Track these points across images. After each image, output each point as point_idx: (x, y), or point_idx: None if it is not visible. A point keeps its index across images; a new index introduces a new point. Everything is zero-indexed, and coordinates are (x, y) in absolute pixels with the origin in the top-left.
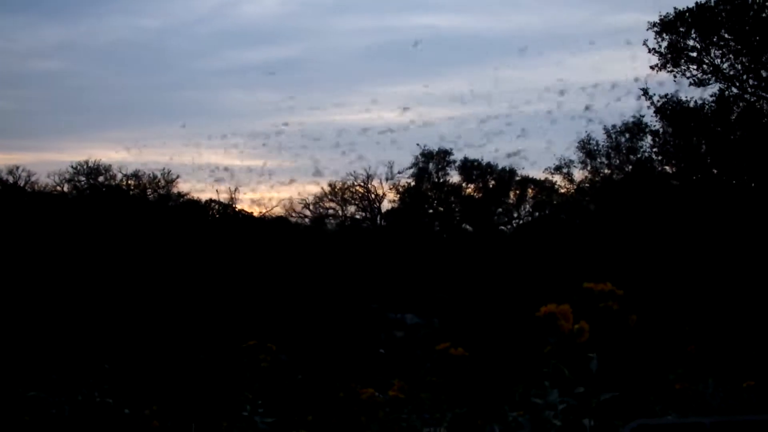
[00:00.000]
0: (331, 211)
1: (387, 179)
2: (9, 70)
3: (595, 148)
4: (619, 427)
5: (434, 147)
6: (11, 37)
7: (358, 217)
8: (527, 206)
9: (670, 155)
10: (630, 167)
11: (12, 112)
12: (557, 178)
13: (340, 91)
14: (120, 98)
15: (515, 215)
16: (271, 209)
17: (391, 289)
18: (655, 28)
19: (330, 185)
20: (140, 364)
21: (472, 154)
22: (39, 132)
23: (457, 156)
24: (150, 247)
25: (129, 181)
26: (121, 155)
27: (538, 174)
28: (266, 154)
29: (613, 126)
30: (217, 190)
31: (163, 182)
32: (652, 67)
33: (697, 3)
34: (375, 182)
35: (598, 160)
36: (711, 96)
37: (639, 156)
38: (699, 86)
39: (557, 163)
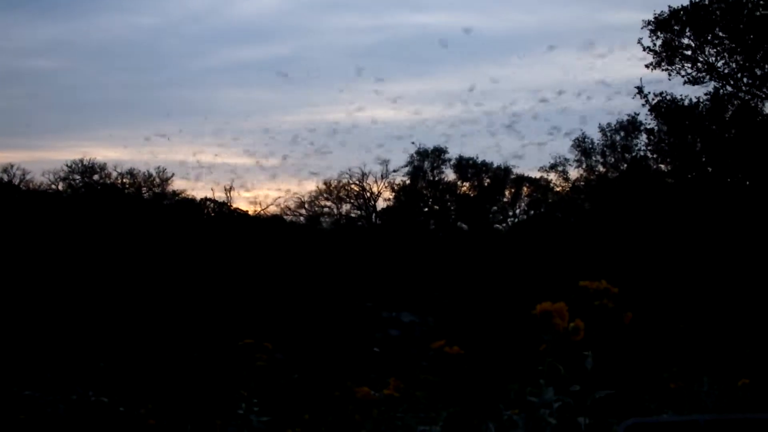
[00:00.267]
0: (326, 210)
1: (382, 177)
2: (3, 68)
3: (590, 146)
4: (614, 425)
5: (429, 145)
6: (5, 35)
7: (353, 215)
8: (522, 204)
9: (665, 153)
10: (625, 165)
11: (6, 110)
12: (552, 177)
13: (335, 89)
14: (115, 96)
15: (510, 213)
16: (266, 208)
17: (387, 288)
18: (650, 27)
19: (325, 183)
20: (135, 363)
21: (467, 153)
22: (33, 130)
23: (452, 154)
24: (145, 246)
25: (124, 180)
26: (116, 153)
27: (534, 172)
28: (261, 152)
29: (608, 124)
30: (212, 189)
31: (158, 180)
32: (646, 66)
33: (691, 1)
34: (370, 180)
35: (593, 158)
36: (706, 94)
37: (634, 154)
38: (694, 84)
39: (552, 161)
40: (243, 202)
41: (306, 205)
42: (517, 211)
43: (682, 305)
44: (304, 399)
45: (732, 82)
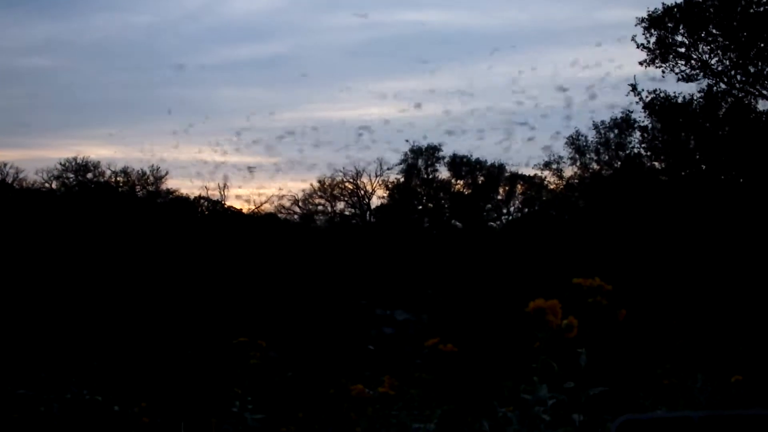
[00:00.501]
0: (320, 208)
1: (376, 175)
2: None
3: (584, 143)
4: (608, 422)
5: (423, 143)
6: (2, 34)
7: (347, 213)
8: (516, 202)
9: (659, 151)
10: (619, 163)
11: (2, 108)
12: (546, 174)
13: (330, 88)
14: (109, 95)
15: (504, 211)
16: (261, 206)
17: (381, 286)
18: (644, 24)
19: (319, 181)
20: (129, 362)
21: (462, 150)
22: (27, 129)
23: (447, 152)
24: (139, 245)
25: (118, 178)
26: (110, 152)
27: (528, 170)
28: (255, 151)
29: (602, 122)
30: (206, 187)
31: (152, 179)
32: (640, 63)
33: None
34: (364, 178)
35: (587, 155)
36: (699, 92)
37: (628, 152)
38: (687, 82)
39: (546, 159)
40: (237, 200)
41: (300, 203)
42: (511, 208)
43: (676, 302)
44: (298, 397)
45: (726, 80)
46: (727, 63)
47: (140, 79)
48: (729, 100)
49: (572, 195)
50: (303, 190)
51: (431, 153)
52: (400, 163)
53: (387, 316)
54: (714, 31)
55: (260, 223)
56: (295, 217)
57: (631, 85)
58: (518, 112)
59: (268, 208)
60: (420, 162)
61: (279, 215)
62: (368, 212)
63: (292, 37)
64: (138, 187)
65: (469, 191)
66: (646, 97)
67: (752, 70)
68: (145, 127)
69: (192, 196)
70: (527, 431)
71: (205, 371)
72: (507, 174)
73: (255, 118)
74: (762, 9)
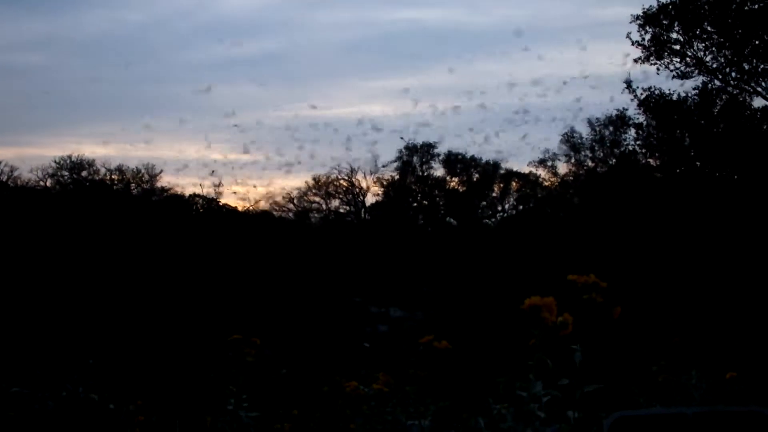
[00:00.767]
0: (315, 205)
1: (371, 173)
2: None
3: (579, 141)
4: (603, 419)
5: (418, 140)
6: None
7: (342, 211)
8: (511, 199)
9: (654, 148)
10: (614, 160)
11: None
12: (541, 172)
13: (324, 85)
14: (102, 92)
15: (499, 208)
16: (255, 203)
17: (375, 283)
18: (639, 21)
19: (314, 179)
20: (125, 359)
21: (456, 148)
22: (21, 126)
23: (441, 149)
24: (134, 242)
25: (112, 176)
26: (105, 149)
27: (523, 167)
28: (249, 148)
29: (597, 119)
30: (200, 185)
31: (146, 177)
32: (635, 60)
33: None
34: (359, 176)
35: (582, 153)
36: (694, 89)
37: (623, 149)
38: (682, 79)
39: (541, 156)
40: (231, 197)
41: (294, 201)
42: (506, 206)
43: (671, 300)
44: (293, 394)
45: (720, 77)
46: (722, 60)
47: (134, 76)
48: (724, 97)
49: (567, 192)
50: (297, 188)
51: (426, 150)
52: (395, 161)
53: (382, 314)
54: (709, 28)
55: (255, 220)
56: (290, 214)
57: (626, 82)
58: (513, 109)
59: (262, 205)
60: (415, 159)
61: (273, 213)
62: (363, 210)
63: (285, 34)
64: (133, 185)
65: (464, 188)
66: (641, 94)
67: (747, 67)
68: (139, 124)
69: (186, 194)
70: (522, 428)
71: (200, 369)
72: (502, 171)
73: (249, 115)
74: (756, 6)
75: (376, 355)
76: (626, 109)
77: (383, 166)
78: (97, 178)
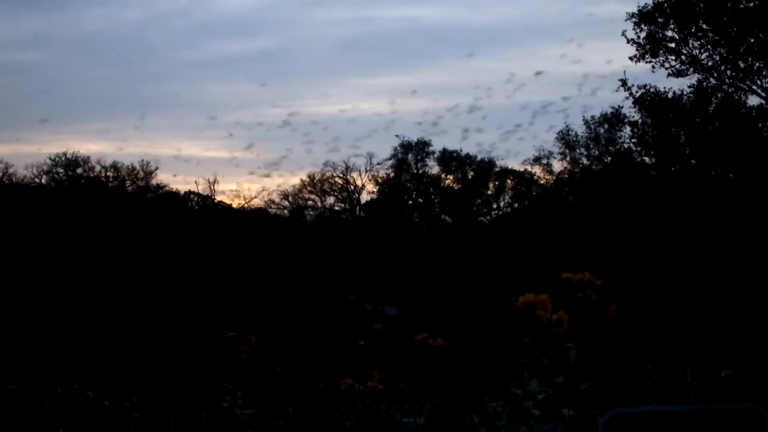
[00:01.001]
0: (310, 203)
1: (366, 170)
2: None
3: (574, 139)
4: (597, 417)
5: (413, 138)
6: None
7: (337, 208)
8: (506, 197)
9: (649, 146)
10: (609, 158)
11: None
12: (536, 169)
13: (320, 82)
14: (98, 90)
15: (494, 206)
16: (250, 201)
17: (371, 281)
18: (634, 19)
19: (309, 176)
20: (120, 357)
21: (452, 145)
22: (16, 124)
23: (436, 147)
24: (129, 240)
25: (107, 173)
26: (100, 147)
27: (518, 165)
28: (245, 146)
29: (592, 117)
30: (195, 182)
31: (141, 174)
32: (630, 58)
33: None
34: (354, 173)
35: (577, 151)
36: (689, 87)
37: (618, 147)
38: (677, 77)
39: (536, 154)
40: (227, 195)
41: (290, 198)
42: (501, 204)
43: (666, 298)
44: (288, 392)
45: (716, 75)
46: (717, 58)
47: (130, 74)
48: (719, 95)
49: (562, 190)
50: (293, 185)
51: (421, 148)
52: (390, 158)
53: (377, 312)
54: (704, 26)
55: (250, 218)
56: (285, 212)
57: (621, 80)
58: (508, 107)
59: (257, 203)
60: (410, 157)
61: (269, 210)
62: (358, 207)
63: (281, 31)
64: (128, 182)
65: (459, 186)
66: (636, 92)
67: (742, 65)
68: (134, 122)
69: (182, 191)
70: (517, 426)
71: (196, 366)
72: (497, 169)
73: (244, 113)
74: (752, 4)
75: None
76: (621, 107)
77: (378, 164)
78: (92, 175)
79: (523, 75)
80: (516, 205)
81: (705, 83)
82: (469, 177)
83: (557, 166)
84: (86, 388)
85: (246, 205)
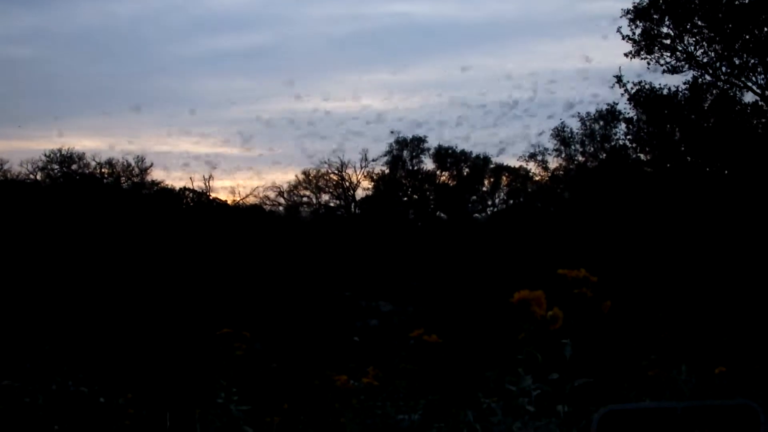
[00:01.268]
0: (305, 199)
1: (361, 167)
2: None
3: (570, 135)
4: (592, 413)
5: (408, 134)
6: None
7: (332, 205)
8: (502, 194)
9: (644, 143)
10: (604, 155)
11: None
12: (531, 166)
13: (314, 79)
14: (93, 86)
15: (489, 203)
16: (245, 197)
17: (366, 277)
18: (629, 15)
19: (304, 173)
20: (115, 353)
21: (447, 142)
22: (10, 119)
23: (432, 143)
24: (124, 236)
25: (103, 169)
26: (95, 143)
27: (513, 162)
28: (240, 142)
29: (588, 113)
30: (191, 178)
31: (136, 170)
32: (625, 55)
33: None
34: (349, 170)
35: (573, 147)
36: (684, 83)
37: (613, 143)
38: (673, 74)
39: (532, 150)
40: (222, 191)
41: (285, 195)
42: (497, 200)
43: (661, 294)
44: (283, 388)
45: (711, 72)
46: (713, 55)
47: (124, 70)
48: (714, 91)
49: (557, 187)
50: (288, 182)
51: (416, 144)
52: (385, 155)
53: (372, 308)
54: (699, 22)
55: (245, 214)
56: (280, 208)
57: (617, 76)
58: (503, 103)
59: (253, 199)
60: (405, 153)
61: (264, 207)
62: (353, 204)
63: (276, 28)
64: (123, 179)
65: (454, 183)
66: (632, 88)
67: (737, 61)
68: (129, 118)
69: (177, 188)
70: (512, 422)
71: (191, 362)
72: (492, 165)
73: (239, 109)
74: (747, 1)
75: (366, 349)
76: (617, 104)
77: (373, 160)
78: (87, 171)
79: (518, 71)
80: (511, 201)
81: (700, 80)
82: (464, 173)
83: (552, 162)
84: (81, 384)
85: (241, 201)
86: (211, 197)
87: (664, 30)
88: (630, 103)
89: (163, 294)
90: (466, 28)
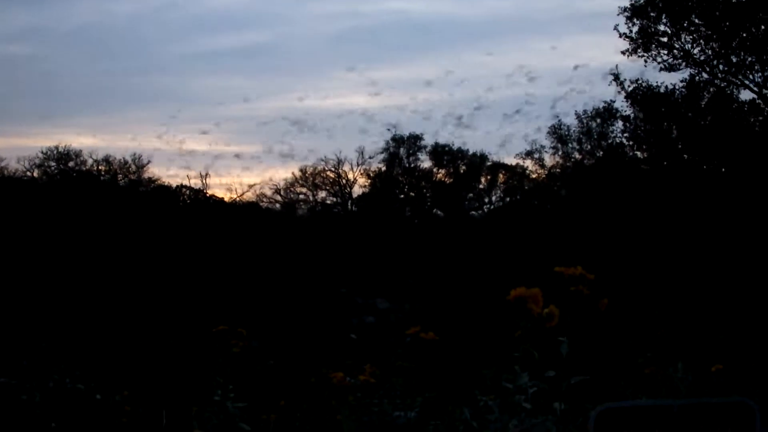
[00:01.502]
0: (302, 197)
1: (358, 164)
2: None
3: (567, 133)
4: (589, 410)
5: (405, 132)
6: None
7: (329, 202)
8: (498, 191)
9: (641, 140)
10: (601, 152)
11: None
12: (528, 164)
13: (311, 76)
14: (90, 83)
15: (486, 200)
16: (242, 195)
17: (362, 275)
18: (626, 13)
19: (301, 170)
20: (111, 350)
21: (443, 139)
22: (8, 117)
23: (428, 141)
24: (120, 233)
25: (99, 167)
26: (92, 140)
27: (510, 159)
28: (237, 140)
29: (585, 111)
30: (187, 176)
31: (133, 167)
32: (623, 53)
33: None
34: (346, 167)
35: (570, 145)
36: (681, 81)
37: (610, 141)
38: (670, 71)
39: (528, 148)
40: (219, 189)
41: (281, 192)
42: (493, 198)
43: (658, 292)
44: (279, 385)
45: (708, 69)
46: (710, 53)
47: (121, 67)
48: (711, 89)
49: (554, 184)
50: (285, 179)
51: (413, 142)
52: (382, 152)
53: (368, 305)
54: (696, 20)
55: (242, 211)
56: (277, 205)
57: (614, 74)
58: (500, 101)
59: (249, 197)
60: (402, 151)
61: (261, 204)
62: (350, 201)
63: (273, 25)
64: (120, 176)
65: (451, 180)
66: (629, 86)
67: (734, 59)
68: (126, 116)
69: (174, 185)
70: (508, 419)
71: (187, 360)
72: (489, 163)
73: (236, 106)
74: None
75: (363, 347)
76: (614, 102)
77: (370, 158)
78: (84, 168)
79: (515, 68)
80: (508, 199)
81: (697, 77)
82: (461, 171)
83: (549, 160)
84: (78, 382)
85: (238, 198)
86: (207, 195)
87: (661, 28)
88: (627, 101)
89: (160, 291)
90: (463, 25)
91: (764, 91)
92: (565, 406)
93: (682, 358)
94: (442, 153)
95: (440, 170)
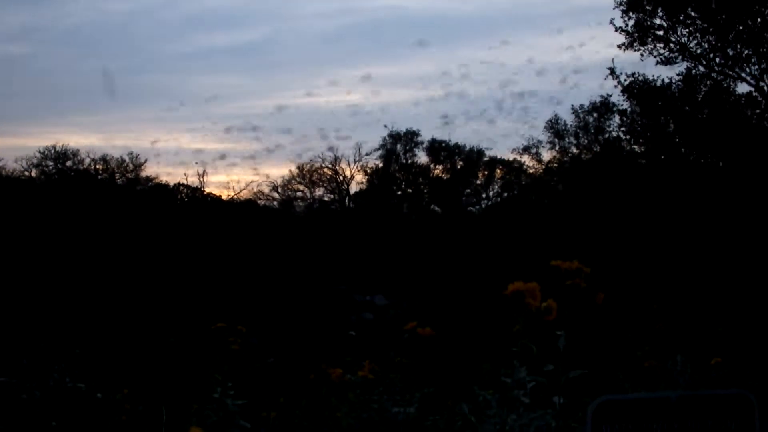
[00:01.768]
0: (299, 194)
1: (355, 161)
2: None
3: (563, 128)
4: (588, 404)
5: (402, 128)
6: None
7: (326, 199)
8: (496, 187)
9: (638, 134)
10: (598, 147)
11: None
12: (525, 159)
13: (307, 73)
14: (86, 82)
15: (484, 196)
16: (239, 192)
17: (360, 271)
18: (622, 7)
19: (298, 168)
20: (112, 349)
21: (440, 135)
22: (5, 117)
23: (425, 137)
24: (119, 232)
25: (97, 166)
26: (89, 140)
27: (507, 154)
28: (234, 138)
29: (581, 106)
30: (185, 174)
31: (131, 166)
32: (619, 46)
33: None
34: (343, 164)
35: (567, 140)
36: (678, 75)
37: (607, 135)
38: (666, 65)
39: (525, 143)
40: (216, 187)
41: (279, 190)
42: (491, 193)
43: (655, 285)
44: (279, 382)
45: (704, 63)
46: (706, 46)
47: (117, 67)
48: (708, 83)
49: (551, 179)
50: (282, 177)
51: (410, 138)
52: (379, 149)
53: (367, 302)
54: (692, 13)
55: (239, 209)
56: (274, 203)
57: (610, 68)
58: (497, 96)
59: (247, 194)
60: (398, 147)
61: (258, 202)
62: (347, 198)
63: (269, 23)
64: (117, 175)
65: (448, 176)
66: (625, 80)
67: (731, 53)
68: (123, 115)
69: (171, 184)
70: (507, 414)
71: (187, 358)
72: (486, 159)
73: (232, 104)
74: None
75: (361, 343)
76: (610, 96)
77: (367, 155)
78: (81, 168)
79: (511, 63)
80: (505, 194)
81: (694, 71)
82: (458, 167)
83: (546, 155)
84: (78, 380)
85: (235, 196)
86: (205, 192)
87: (658, 21)
88: (623, 95)
89: (159, 289)
90: (459, 21)
91: (761, 83)
92: (564, 400)
93: (681, 351)
94: (439, 149)
95: (437, 166)
